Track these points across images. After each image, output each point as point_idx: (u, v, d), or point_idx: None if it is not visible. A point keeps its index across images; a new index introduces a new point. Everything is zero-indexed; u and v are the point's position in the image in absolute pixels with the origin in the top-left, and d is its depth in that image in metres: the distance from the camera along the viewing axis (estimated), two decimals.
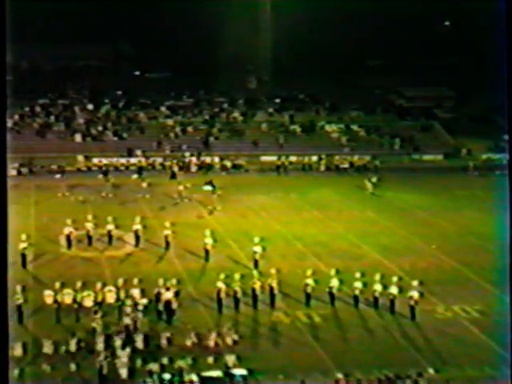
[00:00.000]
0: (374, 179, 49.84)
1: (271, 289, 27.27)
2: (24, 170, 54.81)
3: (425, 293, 27.31)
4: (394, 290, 26.77)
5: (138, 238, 34.93)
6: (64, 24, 71.52)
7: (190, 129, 64.33)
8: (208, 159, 58.47)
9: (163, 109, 67.44)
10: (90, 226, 34.84)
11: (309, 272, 27.86)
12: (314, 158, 59.12)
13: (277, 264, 30.23)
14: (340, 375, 21.02)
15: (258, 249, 31.66)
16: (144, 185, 48.92)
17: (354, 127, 66.17)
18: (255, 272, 29.02)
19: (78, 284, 25.99)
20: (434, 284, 29.45)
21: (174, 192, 45.98)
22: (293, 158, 58.84)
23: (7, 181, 10.51)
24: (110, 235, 34.99)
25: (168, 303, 25.75)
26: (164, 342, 23.51)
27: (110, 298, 25.83)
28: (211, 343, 23.49)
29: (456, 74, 71.38)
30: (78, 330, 23.85)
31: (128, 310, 24.78)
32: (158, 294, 25.99)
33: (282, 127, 65.68)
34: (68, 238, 34.23)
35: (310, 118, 67.09)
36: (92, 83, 71.96)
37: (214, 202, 43.87)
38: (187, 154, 58.91)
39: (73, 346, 22.86)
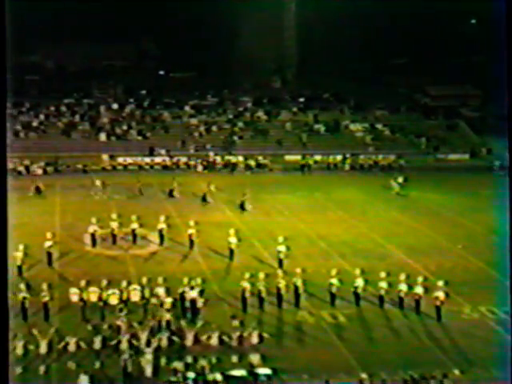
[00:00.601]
0: (401, 179, 49.43)
1: (296, 288, 27.20)
2: (49, 168, 55.26)
3: (450, 293, 27.07)
4: (419, 290, 26.59)
5: (162, 236, 35.03)
6: (89, 24, 71.86)
7: (214, 128, 64.44)
8: (232, 158, 58.51)
9: (187, 108, 67.62)
10: (114, 224, 35.01)
11: (333, 272, 27.75)
12: (339, 158, 58.93)
13: (301, 263, 30.14)
14: (364, 375, 20.92)
15: (282, 248, 31.60)
16: (175, 184, 48.06)
17: (379, 126, 65.91)
18: (280, 271, 28.98)
19: (104, 282, 26.12)
20: (460, 284, 29.17)
21: (200, 191, 46.02)
22: (317, 157, 58.71)
23: (7, 181, 10.55)
24: (134, 234, 35.13)
25: (192, 302, 25.79)
26: (188, 340, 23.54)
27: (135, 296, 25.92)
28: (235, 342, 23.50)
29: (482, 72, 70.75)
30: (103, 327, 23.94)
31: (153, 308, 24.86)
32: (183, 293, 26.04)
33: (306, 126, 65.57)
34: (93, 236, 34.44)
35: (334, 118, 66.92)
36: (117, 83, 72.36)
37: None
38: (211, 153, 59.05)
39: (98, 344, 22.97)
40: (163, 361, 21.94)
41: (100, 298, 25.60)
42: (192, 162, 57.53)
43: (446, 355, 23.27)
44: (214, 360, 21.83)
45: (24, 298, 25.32)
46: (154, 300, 25.56)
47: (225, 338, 23.52)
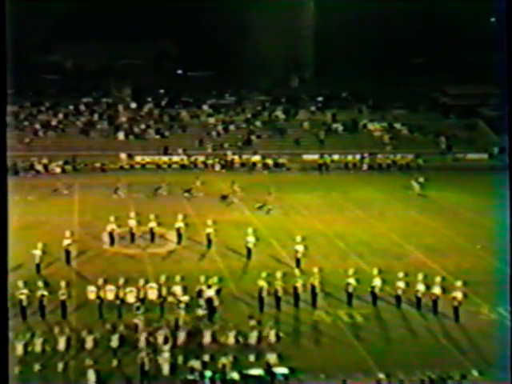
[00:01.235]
0: (421, 179, 49.15)
1: (313, 288, 27.15)
2: (68, 167, 55.56)
3: (469, 293, 26.92)
4: (437, 290, 26.47)
5: (180, 235, 35.09)
6: (107, 23, 72.10)
7: (231, 127, 64.49)
8: (250, 158, 58.49)
9: (205, 107, 67.71)
10: (132, 223, 35.13)
11: (351, 271, 27.67)
12: (357, 157, 58.77)
13: (319, 263, 30.11)
14: (382, 375, 20.83)
15: (299, 247, 31.56)
16: (198, 183, 47.85)
17: (397, 126, 65.68)
18: (297, 271, 28.94)
19: (121, 280, 26.20)
20: (479, 285, 28.93)
21: (218, 190, 46.01)
22: (335, 157, 58.58)
23: (7, 181, 10.60)
24: (152, 232, 35.23)
25: (210, 301, 25.81)
26: (206, 339, 23.57)
27: (152, 294, 26.01)
28: (253, 341, 23.50)
29: (501, 71, 70.24)
30: (120, 325, 24.04)
31: (170, 306, 24.91)
32: (200, 292, 26.08)
33: (324, 126, 65.44)
34: (111, 234, 34.58)
35: (352, 117, 66.78)
36: (135, 82, 72.50)
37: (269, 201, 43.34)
38: (229, 152, 59.09)
39: (115, 342, 23.05)
40: (180, 359, 21.97)
41: (117, 296, 25.72)
42: (210, 161, 57.63)
43: (464, 356, 23.13)
44: (230, 359, 21.82)
45: (42, 296, 25.48)
46: (170, 298, 25.63)
47: (240, 338, 23.50)
